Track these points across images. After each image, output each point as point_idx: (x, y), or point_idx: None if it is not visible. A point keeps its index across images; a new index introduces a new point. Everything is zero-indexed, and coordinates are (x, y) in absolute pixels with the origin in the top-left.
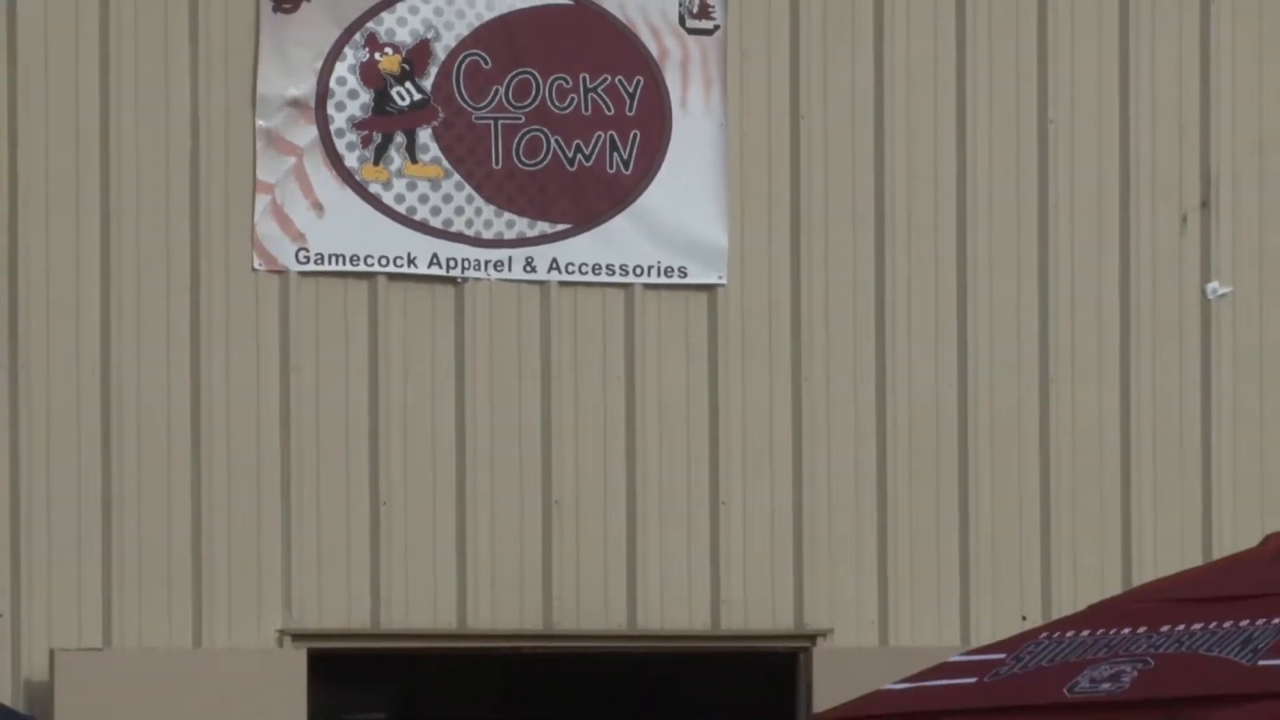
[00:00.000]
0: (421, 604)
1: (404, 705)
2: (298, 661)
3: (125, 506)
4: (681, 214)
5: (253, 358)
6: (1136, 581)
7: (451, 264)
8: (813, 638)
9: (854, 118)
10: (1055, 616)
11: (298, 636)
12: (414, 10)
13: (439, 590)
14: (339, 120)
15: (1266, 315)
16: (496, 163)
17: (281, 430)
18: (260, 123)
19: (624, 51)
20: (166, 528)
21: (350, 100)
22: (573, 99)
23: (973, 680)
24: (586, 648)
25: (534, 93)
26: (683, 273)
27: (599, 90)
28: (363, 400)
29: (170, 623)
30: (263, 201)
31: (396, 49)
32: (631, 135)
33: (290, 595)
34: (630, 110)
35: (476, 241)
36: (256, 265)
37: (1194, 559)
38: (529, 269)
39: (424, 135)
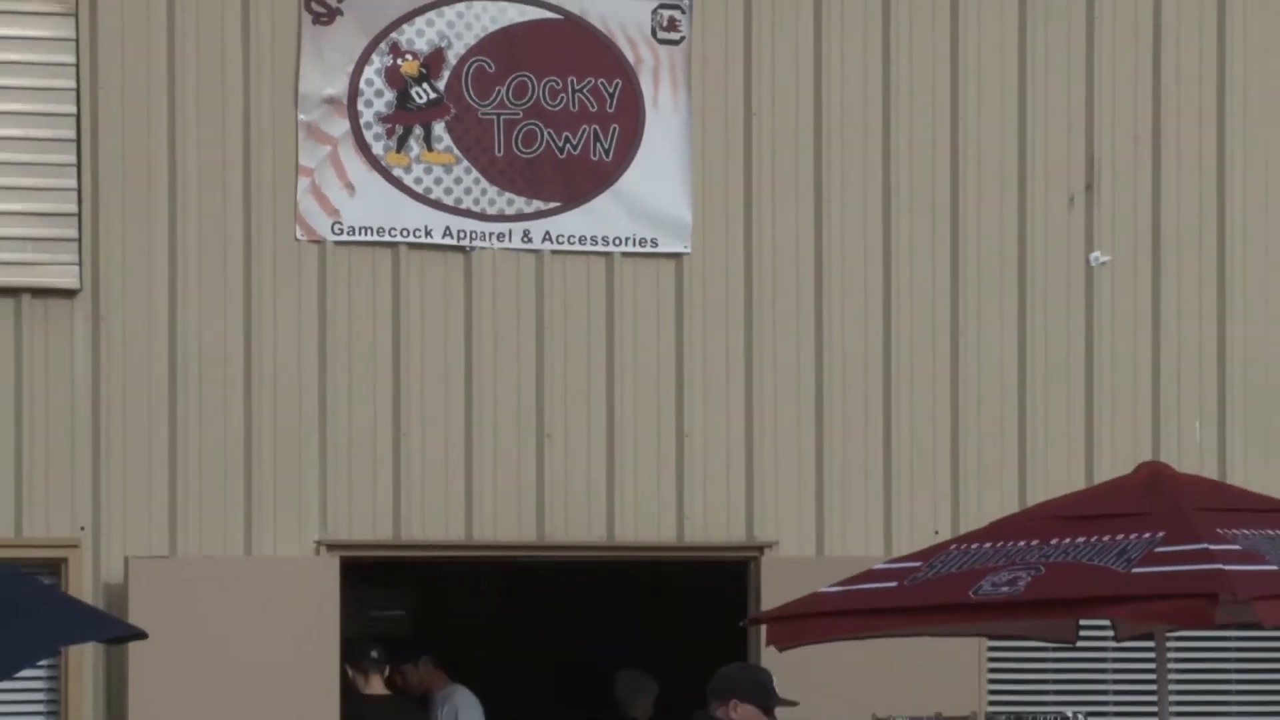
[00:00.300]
0: (435, 519)
1: (419, 604)
2: (331, 568)
3: (189, 437)
4: (653, 194)
5: (295, 313)
6: (1030, 502)
7: (461, 235)
8: (761, 549)
9: (797, 113)
10: (963, 531)
11: (331, 546)
12: (430, 23)
13: (450, 508)
14: (367, 115)
15: (1139, 280)
16: (499, 151)
17: (319, 373)
18: (301, 117)
19: (605, 58)
20: (223, 455)
21: (376, 98)
22: (562, 98)
23: (893, 584)
24: (573, 556)
25: (530, 92)
26: (654, 243)
27: (584, 90)
28: (387, 349)
29: (225, 535)
30: (304, 183)
31: (415, 55)
32: (612, 128)
33: (325, 512)
34: (611, 107)
35: (482, 217)
36: (299, 236)
37: (1078, 483)
38: (526, 240)
39: (438, 128)
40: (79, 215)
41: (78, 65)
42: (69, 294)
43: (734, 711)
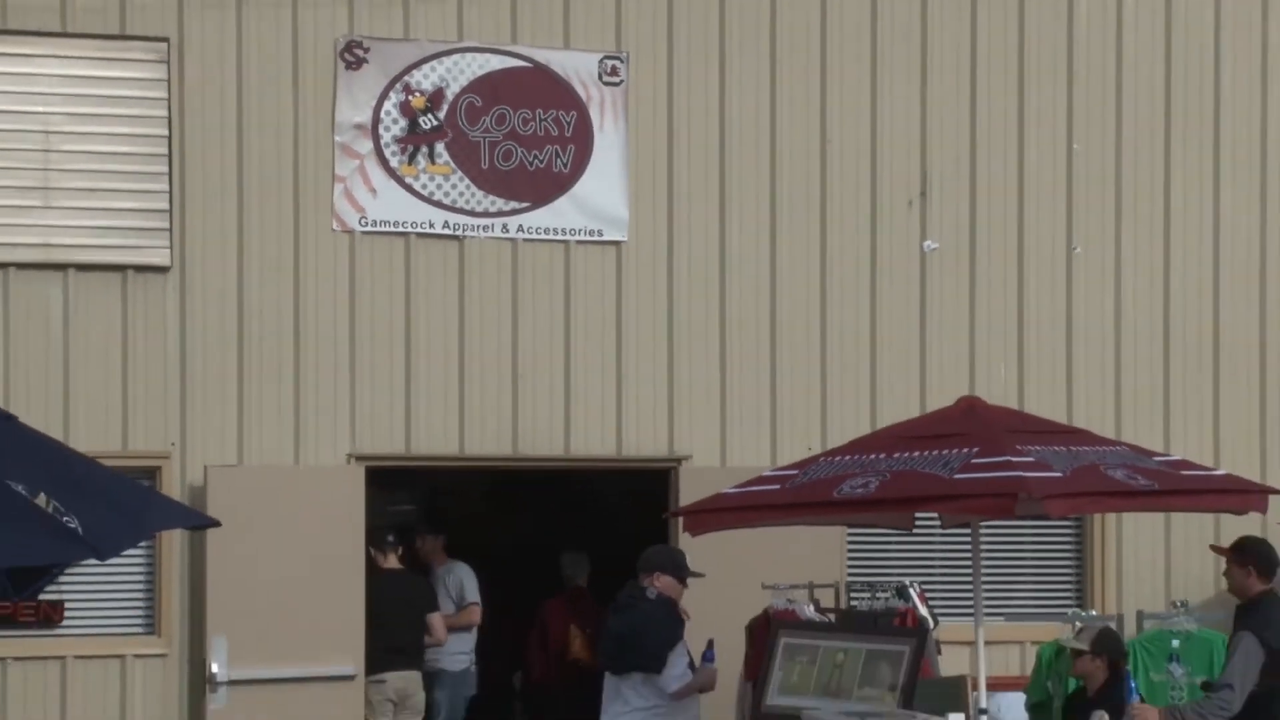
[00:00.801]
0: (437, 437)
1: (425, 500)
2: (358, 474)
3: (251, 376)
4: (600, 197)
5: (332, 284)
6: (879, 426)
7: (456, 227)
8: (679, 460)
9: (706, 136)
10: (829, 447)
11: (359, 458)
12: (433, 69)
13: (447, 429)
14: (386, 137)
15: (959, 261)
16: (484, 165)
17: (350, 329)
18: (337, 139)
19: (564, 96)
20: (277, 389)
21: (393, 125)
22: (532, 125)
23: (777, 487)
24: (540, 465)
25: (507, 121)
26: (600, 234)
27: (548, 119)
28: (401, 311)
29: (280, 448)
30: (339, 188)
31: (422, 93)
32: (569, 148)
33: (354, 431)
34: (568, 133)
35: (472, 213)
36: (335, 228)
37: (914, 412)
38: (505, 231)
39: (439, 147)
40: (170, 211)
41: (169, 98)
42: (162, 270)
43: (656, 581)
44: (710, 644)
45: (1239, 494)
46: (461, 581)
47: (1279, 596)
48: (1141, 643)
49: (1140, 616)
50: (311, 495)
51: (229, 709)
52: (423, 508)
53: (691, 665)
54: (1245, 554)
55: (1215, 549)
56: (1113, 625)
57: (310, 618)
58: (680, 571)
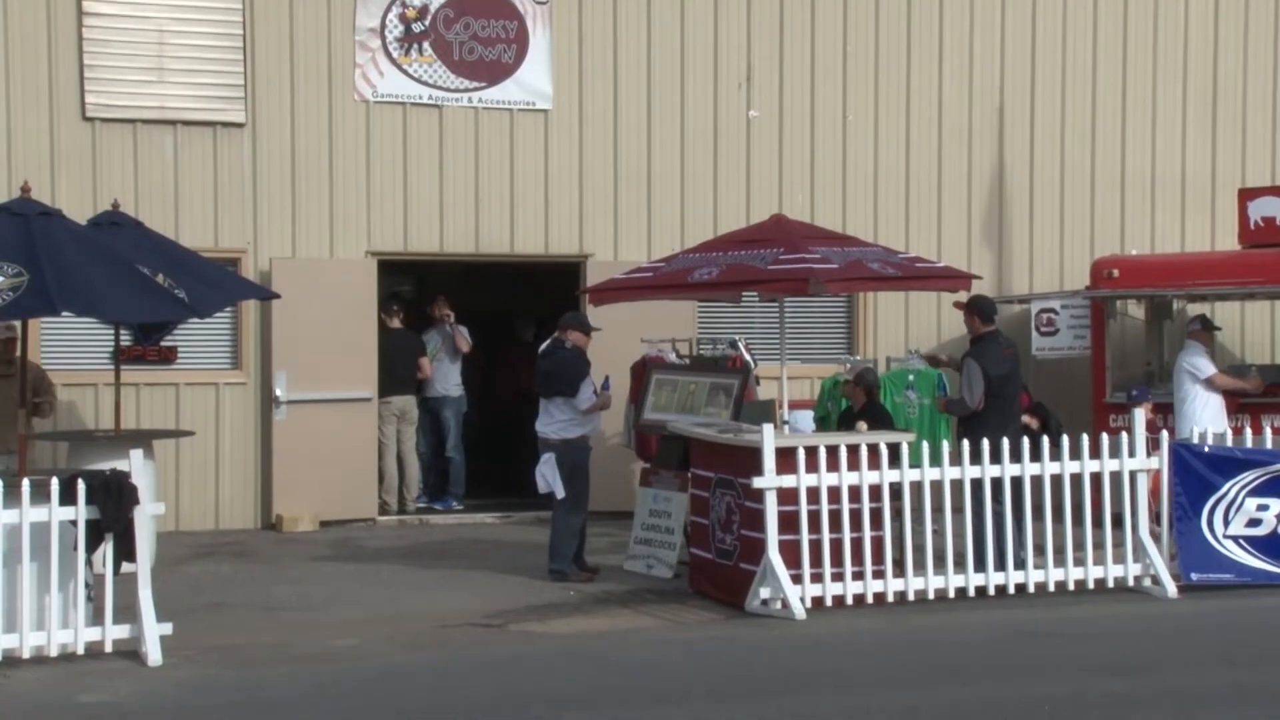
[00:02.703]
0: (426, 238)
1: (416, 284)
2: (373, 265)
3: (300, 196)
4: (534, 79)
5: (354, 135)
6: (719, 233)
7: (437, 100)
8: (587, 256)
9: (604, 41)
10: (686, 247)
11: (373, 253)
12: None
13: (431, 231)
14: (389, 37)
15: (771, 122)
16: (456, 57)
17: (366, 166)
18: (356, 38)
19: (510, 11)
20: (318, 203)
21: (395, 28)
22: (488, 30)
23: (651, 273)
24: (496, 259)
25: (471, 27)
26: (534, 105)
27: (498, 27)
28: (400, 154)
29: (320, 246)
30: (357, 72)
31: (415, 7)
32: (513, 46)
33: (370, 234)
34: (512, 36)
35: (448, 90)
36: (355, 99)
37: (742, 224)
38: (470, 102)
39: (426, 45)
40: (245, 85)
41: (243, 5)
42: (240, 125)
43: (570, 335)
44: (607, 379)
45: (952, 279)
46: (454, 334)
47: (998, 336)
48: (888, 378)
49: (888, 361)
50: (341, 278)
51: (287, 420)
52: (416, 289)
53: (595, 392)
54: (974, 306)
55: (957, 305)
56: (871, 365)
57: (340, 359)
58: (585, 328)
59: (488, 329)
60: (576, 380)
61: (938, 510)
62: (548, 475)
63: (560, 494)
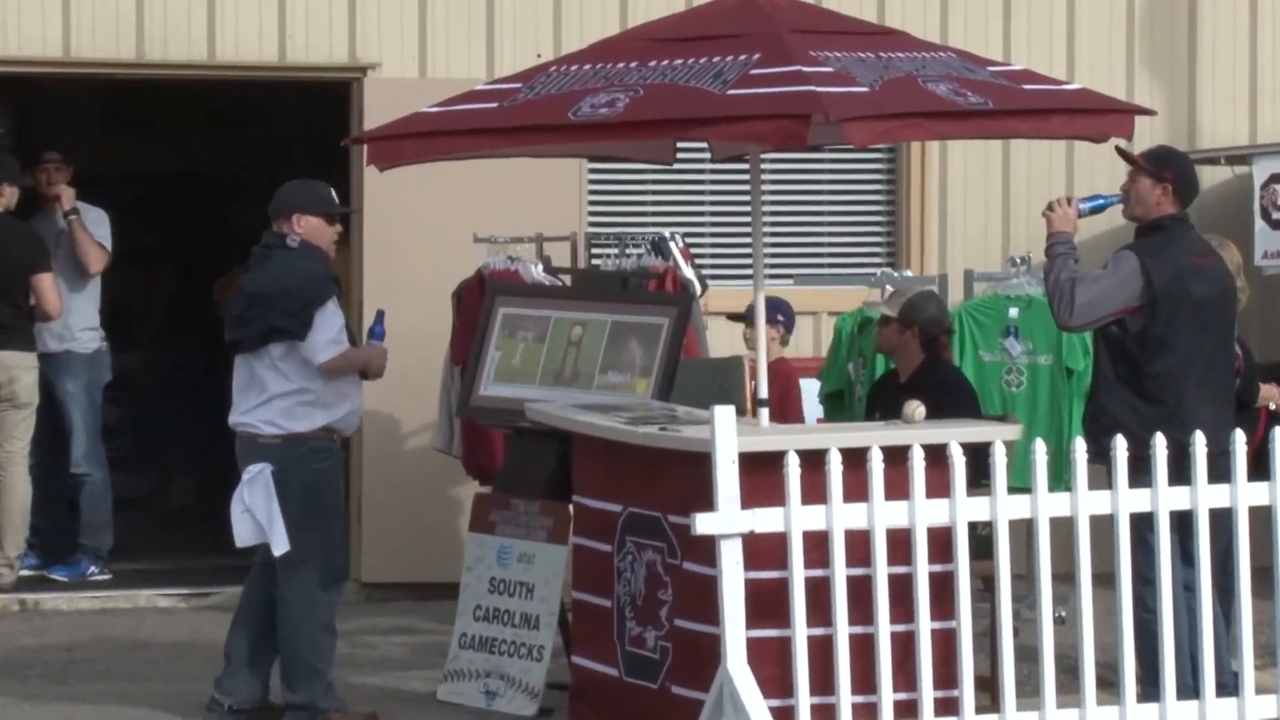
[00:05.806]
0: (31, 38)
1: (14, 124)
2: None
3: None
4: None
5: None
6: (634, 22)
7: None
8: (364, 69)
9: None
10: (564, 53)
11: None
12: None
13: (46, 26)
14: None
15: None
16: None
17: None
18: None
19: None
20: None
21: None
22: None
23: (494, 105)
24: (175, 75)
25: None
26: None
27: None
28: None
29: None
30: None
31: None
32: None
33: None
34: None
35: None
36: None
37: (678, 6)
38: None
39: None
40: None
41: None
42: None
43: (298, 225)
44: (380, 316)
45: (1099, 114)
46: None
47: (1189, 230)
48: (969, 311)
49: (969, 277)
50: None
51: None
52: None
53: (350, 336)
54: (1164, 164)
55: (1121, 152)
56: (933, 289)
57: None
58: (327, 206)
59: (166, 220)
60: (309, 306)
61: (1065, 579)
62: (257, 510)
63: (281, 546)
